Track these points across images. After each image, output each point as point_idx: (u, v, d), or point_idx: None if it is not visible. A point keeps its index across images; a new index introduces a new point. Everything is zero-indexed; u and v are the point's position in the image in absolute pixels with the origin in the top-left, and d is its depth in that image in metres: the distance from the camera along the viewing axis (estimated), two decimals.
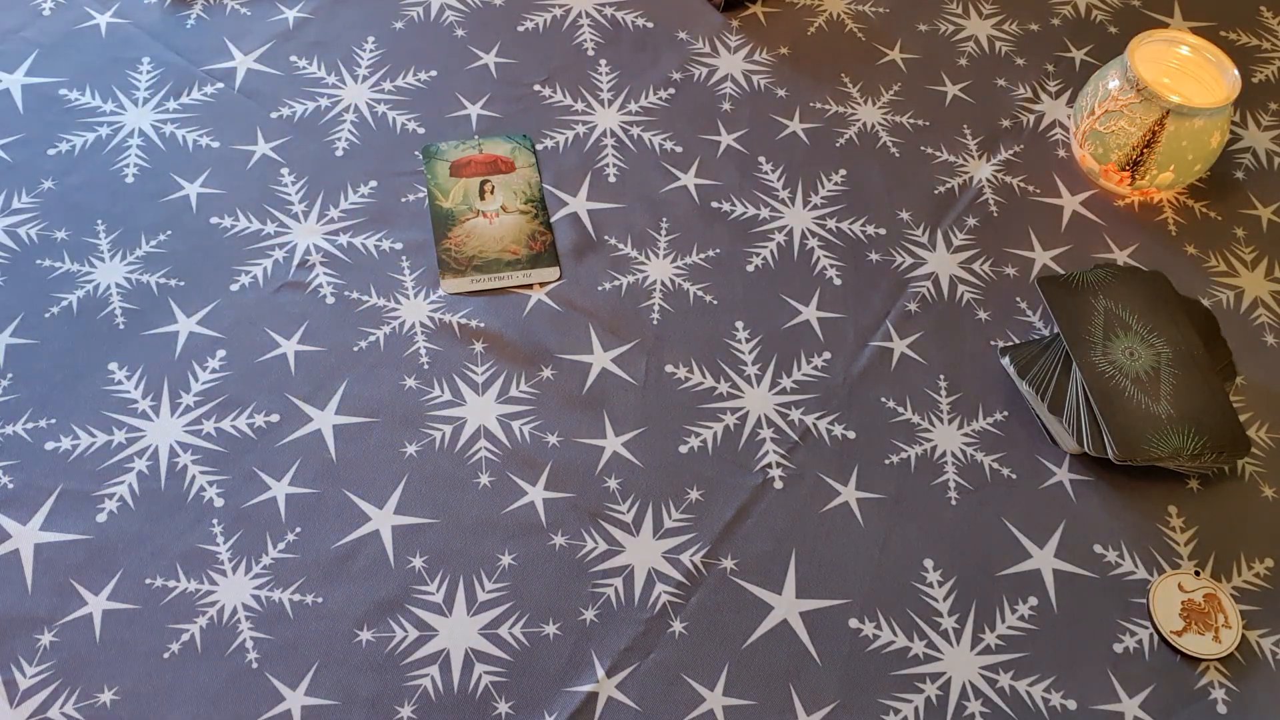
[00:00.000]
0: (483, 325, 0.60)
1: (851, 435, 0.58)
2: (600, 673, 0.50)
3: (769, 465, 0.57)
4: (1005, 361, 0.60)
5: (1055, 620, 0.53)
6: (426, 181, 0.64)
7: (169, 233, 0.61)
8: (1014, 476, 0.58)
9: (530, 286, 0.61)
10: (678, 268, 0.63)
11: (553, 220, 0.64)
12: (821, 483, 0.56)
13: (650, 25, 0.76)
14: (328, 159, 0.65)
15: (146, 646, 0.48)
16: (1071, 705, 0.51)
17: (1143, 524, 0.57)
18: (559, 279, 0.62)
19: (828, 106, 0.72)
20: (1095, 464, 0.58)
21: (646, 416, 0.58)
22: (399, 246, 0.62)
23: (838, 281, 0.64)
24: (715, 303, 0.62)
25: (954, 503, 0.56)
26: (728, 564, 0.53)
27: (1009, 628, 0.53)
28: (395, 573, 0.51)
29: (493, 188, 0.64)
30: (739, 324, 0.62)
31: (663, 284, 0.63)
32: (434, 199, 0.63)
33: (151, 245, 0.60)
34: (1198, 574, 0.55)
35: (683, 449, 0.57)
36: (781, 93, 0.72)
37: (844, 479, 0.57)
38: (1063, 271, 0.65)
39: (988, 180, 0.70)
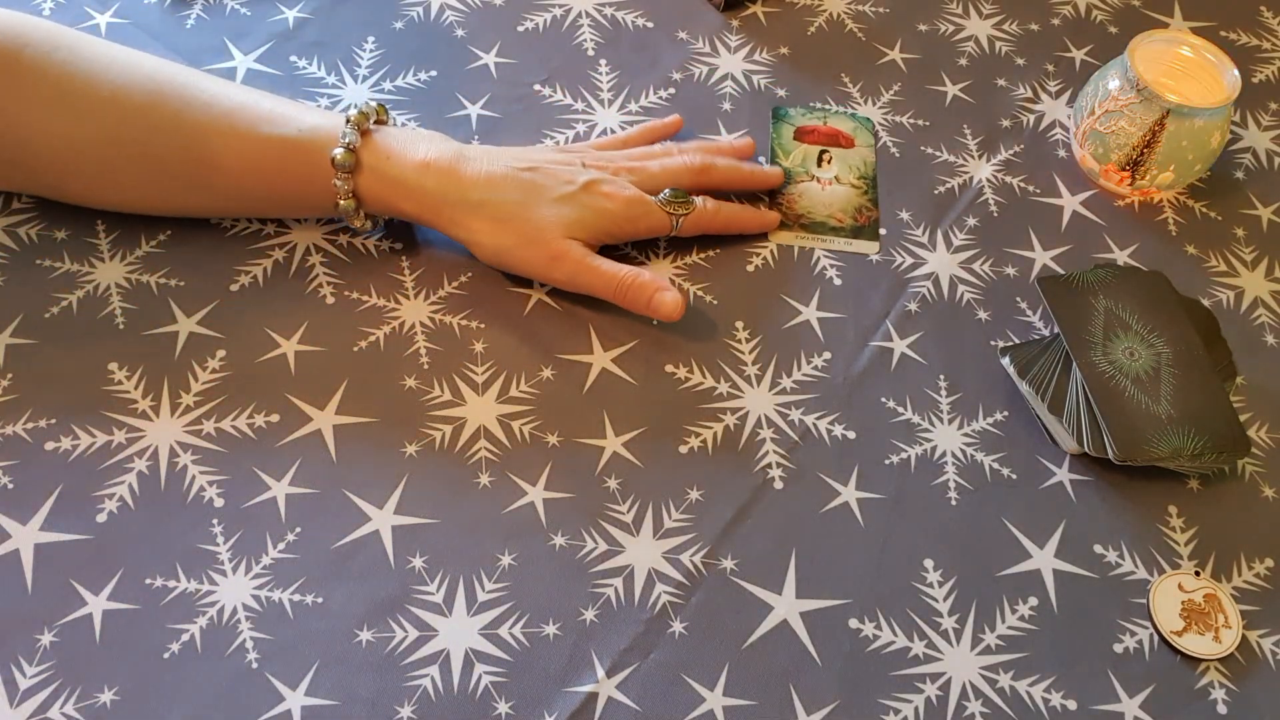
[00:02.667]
0: (483, 325, 0.60)
1: (851, 435, 0.58)
2: (600, 673, 0.50)
3: (769, 465, 0.57)
4: (1005, 361, 0.60)
5: (1055, 620, 0.53)
6: (770, 139, 0.69)
7: (169, 233, 0.61)
8: (1014, 476, 0.58)
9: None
10: (678, 268, 0.63)
11: None
12: (821, 483, 0.56)
13: (650, 25, 0.76)
14: None
15: (146, 646, 0.48)
16: (1071, 705, 0.51)
17: (1143, 524, 0.57)
18: (877, 253, 0.65)
19: (828, 106, 0.72)
20: (1095, 464, 0.58)
21: (646, 416, 0.58)
22: (399, 246, 0.62)
23: (838, 281, 0.64)
24: (715, 303, 0.62)
25: (954, 503, 0.56)
26: (728, 564, 0.53)
27: (1009, 628, 0.53)
28: (395, 573, 0.51)
29: (830, 158, 0.68)
30: (739, 324, 0.62)
31: None
32: (775, 156, 0.69)
33: (151, 245, 0.60)
34: (1198, 574, 0.55)
35: (683, 449, 0.57)
36: (781, 93, 0.72)
37: (844, 479, 0.57)
38: (1063, 271, 0.65)
39: (988, 180, 0.70)
